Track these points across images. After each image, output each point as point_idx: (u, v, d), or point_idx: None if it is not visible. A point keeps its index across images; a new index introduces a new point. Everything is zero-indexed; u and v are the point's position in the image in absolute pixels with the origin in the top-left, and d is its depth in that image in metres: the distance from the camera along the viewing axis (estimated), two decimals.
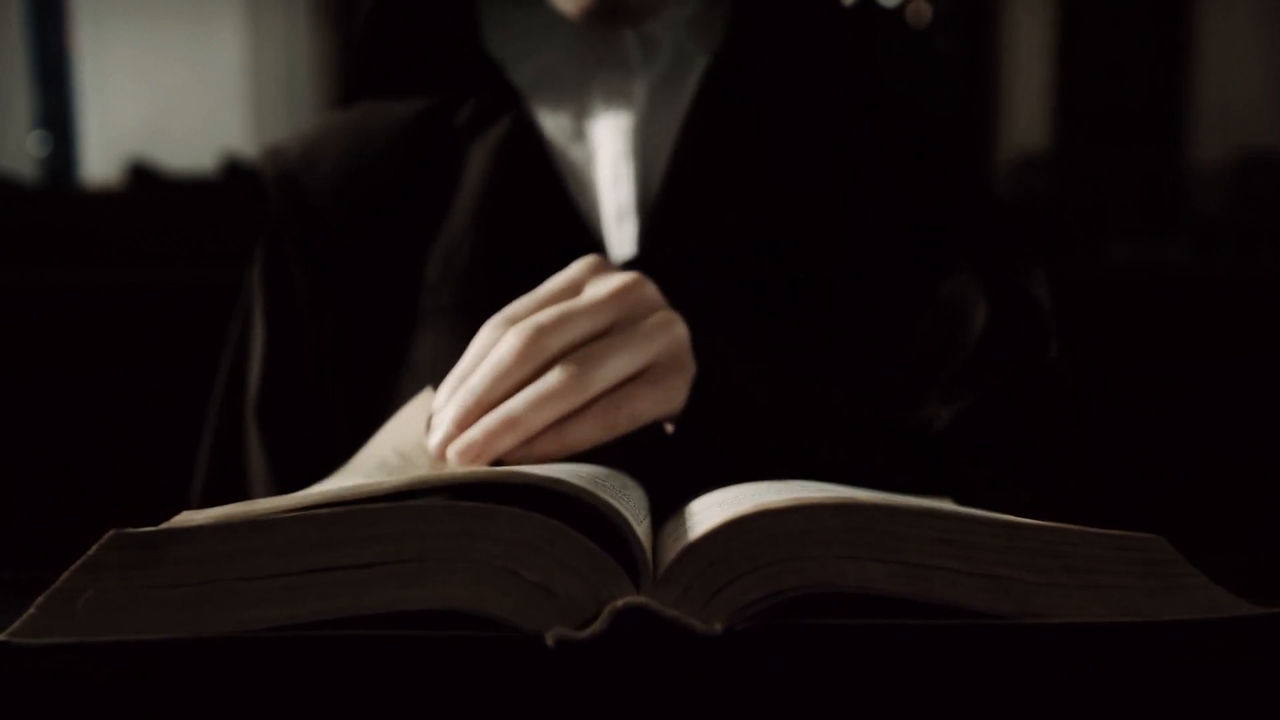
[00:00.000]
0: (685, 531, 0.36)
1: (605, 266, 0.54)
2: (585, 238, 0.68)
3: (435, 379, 0.67)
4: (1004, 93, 6.63)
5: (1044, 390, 0.66)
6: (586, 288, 0.52)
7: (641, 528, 0.36)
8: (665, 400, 0.51)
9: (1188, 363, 1.09)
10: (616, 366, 0.48)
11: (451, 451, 0.48)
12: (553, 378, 0.47)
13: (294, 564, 0.31)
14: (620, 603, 0.29)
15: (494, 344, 0.49)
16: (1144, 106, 6.62)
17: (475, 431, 0.47)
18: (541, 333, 0.48)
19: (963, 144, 0.75)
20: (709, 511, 0.37)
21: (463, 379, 0.50)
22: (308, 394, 0.71)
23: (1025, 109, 6.62)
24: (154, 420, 1.02)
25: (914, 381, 0.66)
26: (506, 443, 0.47)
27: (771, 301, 0.67)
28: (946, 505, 0.34)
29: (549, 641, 0.29)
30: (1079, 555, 0.34)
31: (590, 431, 0.48)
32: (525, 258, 0.68)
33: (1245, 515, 1.09)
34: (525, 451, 0.47)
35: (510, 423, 0.47)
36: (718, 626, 0.30)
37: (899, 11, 6.59)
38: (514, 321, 0.50)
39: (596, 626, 0.29)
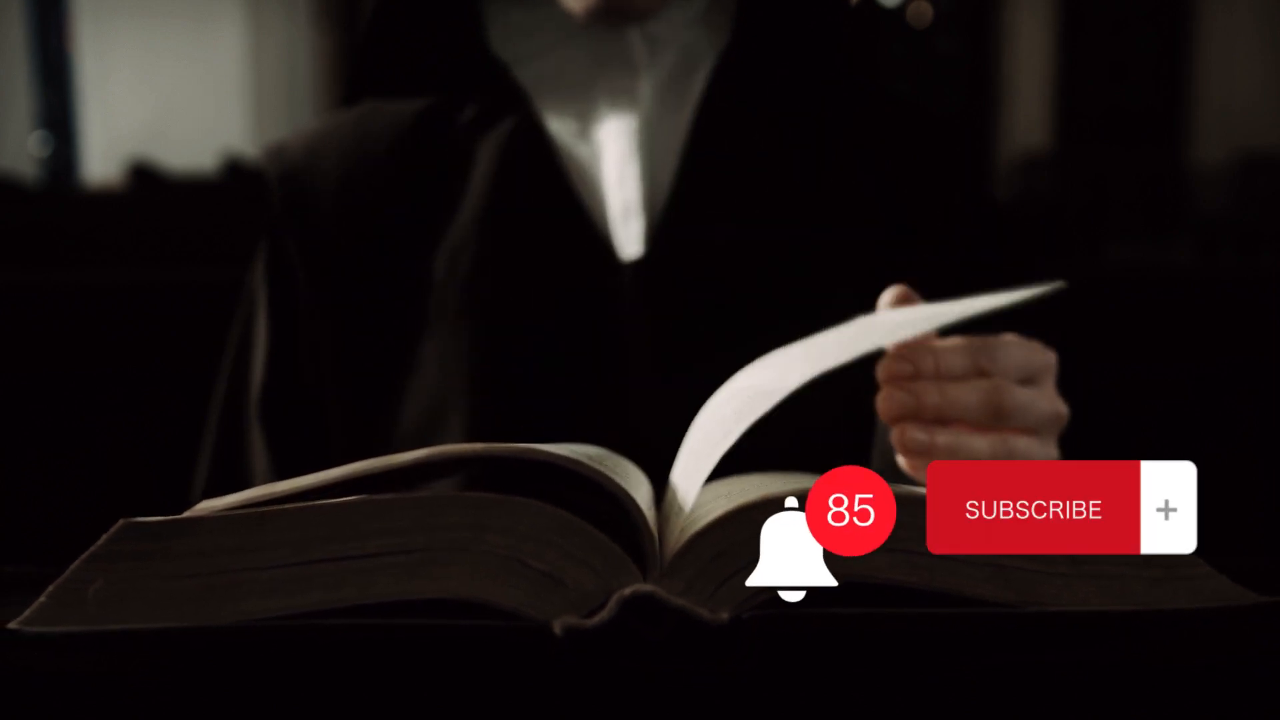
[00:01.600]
0: (692, 521, 0.36)
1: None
2: (591, 237, 0.68)
3: (443, 380, 0.68)
4: (1005, 93, 6.63)
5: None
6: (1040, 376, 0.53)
7: (649, 515, 0.36)
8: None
9: (1188, 363, 1.09)
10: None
11: (888, 404, 0.48)
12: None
13: (301, 554, 0.31)
14: (627, 592, 0.30)
15: (964, 367, 0.50)
16: (1145, 107, 6.62)
17: (921, 433, 0.48)
18: (1004, 395, 0.49)
19: (972, 153, 0.76)
20: (715, 501, 0.37)
21: (935, 366, 0.50)
22: (311, 393, 0.71)
23: (1026, 109, 6.62)
24: (154, 421, 1.02)
25: None
26: (939, 442, 0.48)
27: (778, 300, 0.68)
28: None
29: (556, 631, 0.29)
30: None
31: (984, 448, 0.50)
32: (531, 257, 0.68)
33: (1245, 515, 1.09)
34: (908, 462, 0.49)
35: (950, 449, 0.48)
36: (724, 615, 0.30)
37: (900, 12, 6.60)
38: (983, 358, 0.50)
39: (603, 616, 0.30)
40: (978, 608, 0.32)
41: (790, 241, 0.69)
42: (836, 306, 0.69)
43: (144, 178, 4.30)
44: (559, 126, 0.71)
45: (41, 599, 0.31)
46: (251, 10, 6.51)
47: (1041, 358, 0.52)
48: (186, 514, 0.34)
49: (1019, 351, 0.51)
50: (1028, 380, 0.51)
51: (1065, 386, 0.71)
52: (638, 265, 0.67)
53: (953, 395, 0.48)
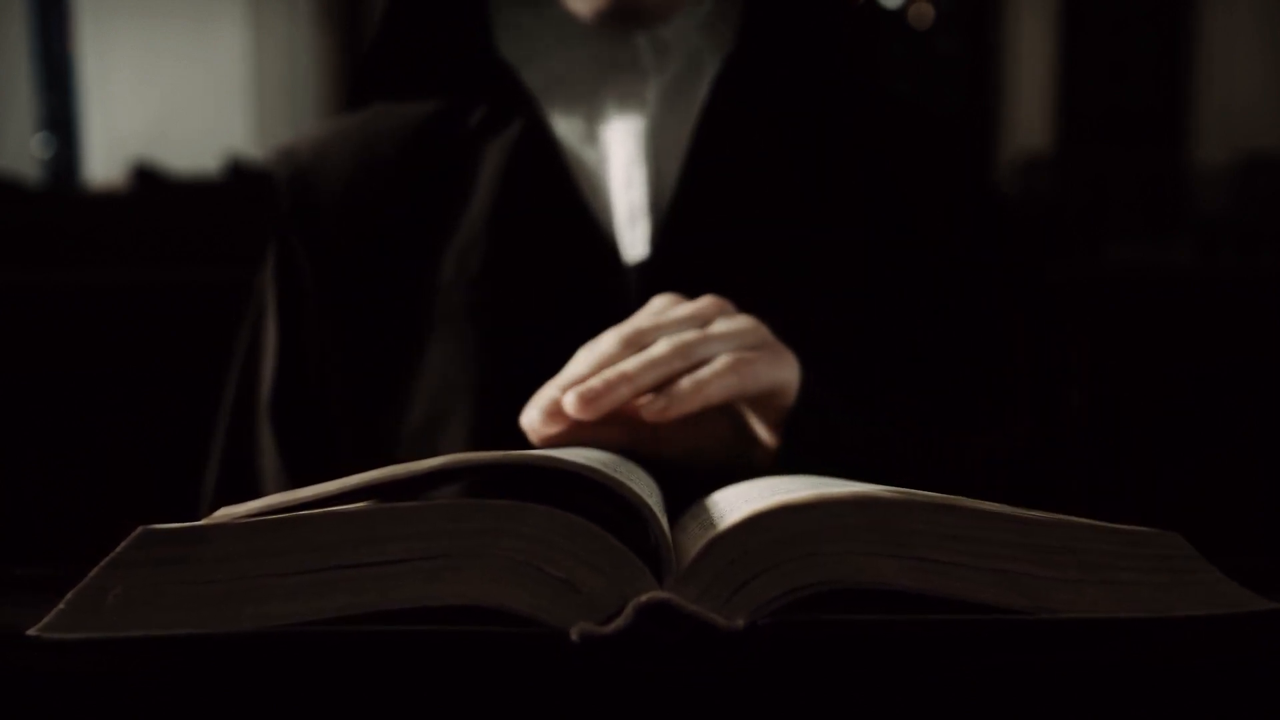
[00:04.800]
0: (706, 527, 0.36)
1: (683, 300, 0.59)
2: (598, 239, 0.68)
3: (448, 381, 0.68)
4: (1006, 94, 6.64)
5: (1067, 435, 0.70)
6: (671, 310, 0.57)
7: (663, 522, 0.36)
8: (784, 366, 0.56)
9: (1188, 363, 1.09)
10: (719, 342, 0.54)
11: (569, 399, 0.51)
12: (659, 346, 0.53)
13: (321, 561, 0.32)
14: (643, 598, 0.30)
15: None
16: (1146, 107, 6.62)
17: (594, 381, 0.51)
18: (640, 332, 0.54)
19: (972, 154, 0.77)
20: (730, 507, 0.38)
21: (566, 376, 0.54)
22: (319, 394, 0.72)
23: (1027, 110, 6.62)
24: (155, 421, 1.02)
25: (931, 392, 0.67)
26: (623, 393, 0.51)
27: (783, 302, 0.68)
28: (962, 501, 0.35)
29: (573, 637, 0.30)
30: (1093, 551, 0.35)
31: (726, 384, 0.53)
32: (538, 259, 0.68)
33: (1246, 515, 1.10)
34: (662, 408, 0.51)
35: (624, 376, 0.51)
36: (739, 622, 0.30)
37: (901, 12, 6.60)
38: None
39: (620, 622, 0.30)
40: (987, 613, 0.32)
41: (794, 243, 0.69)
42: (840, 307, 0.69)
43: (146, 178, 4.30)
44: (566, 129, 0.71)
45: (60, 605, 0.31)
46: (253, 10, 6.51)
47: (700, 317, 0.56)
48: (206, 521, 0.34)
49: (674, 324, 0.55)
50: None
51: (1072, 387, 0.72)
52: (643, 267, 0.67)
53: (644, 367, 0.52)
